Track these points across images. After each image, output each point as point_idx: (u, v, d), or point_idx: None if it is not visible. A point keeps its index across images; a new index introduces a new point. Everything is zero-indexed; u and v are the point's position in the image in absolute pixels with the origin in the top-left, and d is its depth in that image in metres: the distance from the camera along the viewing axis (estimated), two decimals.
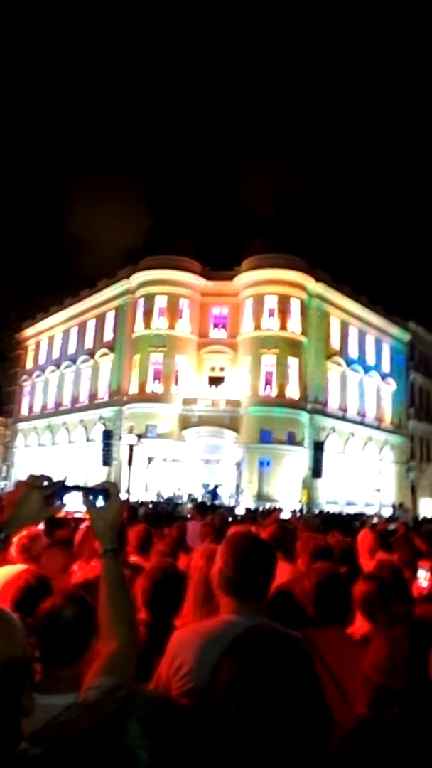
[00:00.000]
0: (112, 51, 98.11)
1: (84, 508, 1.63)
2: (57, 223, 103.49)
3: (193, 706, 1.80)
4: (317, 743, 0.81)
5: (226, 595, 1.95)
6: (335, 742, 0.74)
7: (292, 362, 36.73)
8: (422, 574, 3.49)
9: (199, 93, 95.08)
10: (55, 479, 1.53)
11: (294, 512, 19.05)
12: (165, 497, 28.03)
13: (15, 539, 3.30)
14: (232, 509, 20.13)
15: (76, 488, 1.57)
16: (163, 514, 14.82)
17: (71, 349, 46.75)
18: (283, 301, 36.96)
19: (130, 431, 32.66)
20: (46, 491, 1.47)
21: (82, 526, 4.15)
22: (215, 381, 37.96)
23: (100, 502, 1.55)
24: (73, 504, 1.65)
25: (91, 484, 1.62)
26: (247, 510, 19.56)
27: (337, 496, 36.75)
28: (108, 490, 1.57)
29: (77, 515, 7.12)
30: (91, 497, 1.56)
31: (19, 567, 3.05)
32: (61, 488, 1.52)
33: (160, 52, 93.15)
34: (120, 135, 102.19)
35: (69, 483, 1.57)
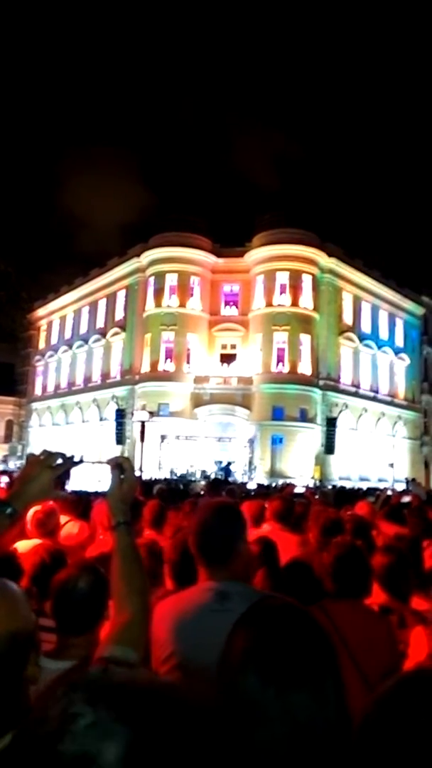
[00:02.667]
0: (109, 24, 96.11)
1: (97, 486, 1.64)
2: (52, 198, 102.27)
3: (173, 673, 1.81)
4: (338, 714, 0.80)
5: (199, 565, 1.97)
6: (374, 700, 0.72)
7: (304, 339, 36.51)
8: None
9: (196, 66, 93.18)
10: (68, 456, 1.53)
11: (308, 487, 19.13)
12: (178, 474, 28.23)
13: (30, 514, 3.33)
14: (244, 485, 20.24)
15: (91, 462, 1.58)
16: (177, 491, 14.91)
17: (83, 328, 46.84)
18: (295, 277, 36.59)
19: (143, 410, 32.83)
20: (59, 470, 1.47)
21: (99, 500, 4.19)
22: (227, 359, 37.89)
23: (114, 476, 1.57)
24: (86, 482, 1.66)
25: (105, 459, 1.63)
26: (260, 486, 19.64)
27: (350, 471, 36.80)
28: (122, 464, 1.58)
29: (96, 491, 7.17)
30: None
31: (35, 542, 3.08)
32: (74, 462, 1.52)
33: (156, 25, 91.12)
34: (113, 110, 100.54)
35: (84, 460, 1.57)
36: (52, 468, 1.46)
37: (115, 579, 1.46)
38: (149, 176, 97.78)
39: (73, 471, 1.54)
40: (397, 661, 2.34)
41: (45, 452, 1.50)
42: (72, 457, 1.53)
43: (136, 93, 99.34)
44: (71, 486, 1.59)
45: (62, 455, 1.50)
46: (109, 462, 1.60)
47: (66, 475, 1.51)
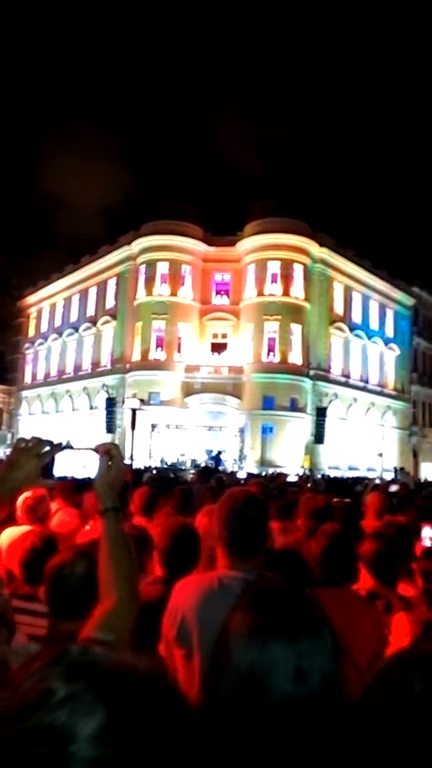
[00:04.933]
0: (93, 2, 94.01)
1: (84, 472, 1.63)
2: (30, 180, 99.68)
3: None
4: (341, 691, 0.86)
5: (222, 551, 1.96)
6: (372, 675, 0.79)
7: (295, 328, 36.53)
8: (428, 533, 3.51)
9: (179, 47, 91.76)
10: (56, 444, 1.52)
11: (300, 476, 19.29)
12: (169, 463, 28.27)
13: (20, 501, 3.32)
14: (234, 474, 20.31)
15: (78, 449, 1.57)
16: (167, 480, 14.93)
17: (73, 316, 46.58)
18: (286, 267, 36.54)
19: (134, 398, 32.77)
20: (46, 458, 1.46)
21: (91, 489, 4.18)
22: (218, 348, 37.85)
23: (102, 463, 1.56)
24: (72, 468, 1.66)
25: (93, 446, 1.62)
26: (249, 475, 19.72)
27: (339, 461, 37.03)
28: (110, 451, 1.57)
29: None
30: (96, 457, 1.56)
31: (25, 528, 3.07)
32: (61, 448, 1.52)
33: (139, 4, 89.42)
34: (96, 91, 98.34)
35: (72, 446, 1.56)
36: (39, 456, 1.45)
37: (103, 564, 1.46)
38: (132, 160, 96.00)
39: (59, 456, 1.54)
40: (382, 646, 2.37)
41: (34, 439, 1.49)
42: (60, 444, 1.53)
43: (118, 75, 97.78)
44: (57, 471, 1.57)
45: (50, 443, 1.49)
46: (97, 448, 1.59)
47: (52, 462, 1.50)
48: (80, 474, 9.18)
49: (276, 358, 35.84)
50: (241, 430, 32.90)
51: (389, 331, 45.61)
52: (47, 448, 1.47)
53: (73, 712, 0.47)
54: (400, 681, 0.74)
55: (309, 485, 9.88)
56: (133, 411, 25.27)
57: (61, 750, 0.45)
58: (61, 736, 0.46)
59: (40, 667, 0.53)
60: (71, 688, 0.49)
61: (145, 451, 30.21)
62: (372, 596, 2.73)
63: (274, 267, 36.50)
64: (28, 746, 0.46)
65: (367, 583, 2.82)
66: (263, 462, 32.59)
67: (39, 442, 1.48)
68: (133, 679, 0.52)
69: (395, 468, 34.97)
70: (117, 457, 1.57)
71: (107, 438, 33.97)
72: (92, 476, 1.57)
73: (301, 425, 35.28)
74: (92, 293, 44.60)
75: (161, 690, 0.52)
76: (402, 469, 34.80)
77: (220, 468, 24.74)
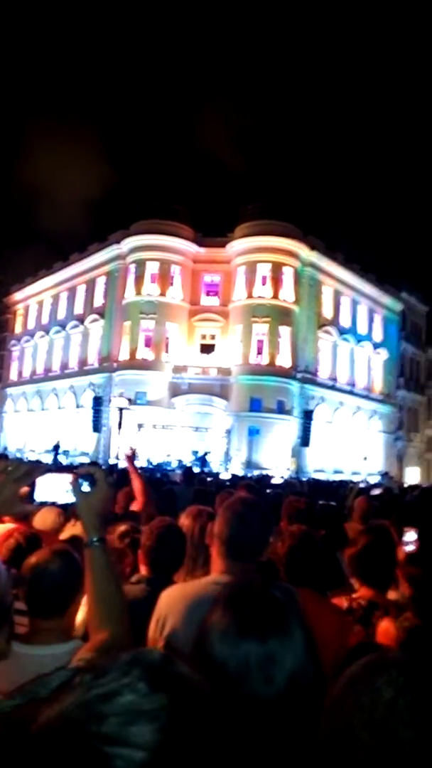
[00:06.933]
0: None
1: (67, 497, 1.57)
2: (11, 172, 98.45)
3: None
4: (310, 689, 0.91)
5: (219, 556, 1.96)
6: (339, 682, 0.80)
7: (284, 331, 36.64)
8: (411, 537, 3.53)
9: (166, 42, 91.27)
10: (37, 466, 1.47)
11: (285, 479, 19.36)
12: (155, 464, 28.22)
13: None
14: (218, 476, 20.32)
15: (59, 470, 1.53)
16: (153, 480, 14.89)
17: (61, 314, 46.34)
18: (276, 270, 36.65)
19: (121, 397, 32.68)
20: (24, 482, 1.39)
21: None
22: (206, 349, 37.86)
23: (85, 488, 1.43)
24: (53, 494, 1.63)
25: (80, 450, 1.59)
26: (234, 476, 19.74)
27: (324, 464, 37.17)
28: (93, 474, 1.45)
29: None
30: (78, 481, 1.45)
31: (8, 526, 3.06)
32: (41, 471, 1.46)
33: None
34: (73, 80, 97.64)
35: (53, 458, 1.53)
36: (18, 480, 1.37)
37: (91, 599, 1.40)
38: (117, 155, 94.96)
39: (40, 481, 1.49)
40: (344, 652, 2.31)
41: (13, 461, 1.43)
42: (42, 466, 1.48)
43: (103, 68, 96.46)
44: (39, 496, 1.55)
45: (31, 465, 1.44)
46: (77, 471, 1.46)
47: (33, 486, 1.45)
48: (63, 499, 9.09)
49: (264, 361, 35.93)
50: (228, 432, 32.93)
51: (377, 336, 45.91)
52: (25, 472, 1.40)
53: (144, 717, 0.49)
54: (368, 688, 0.74)
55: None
56: (120, 410, 25.26)
57: (119, 748, 0.46)
58: (122, 731, 0.48)
59: (125, 661, 0.54)
60: (151, 697, 0.50)
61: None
62: (372, 606, 2.65)
63: (263, 269, 36.60)
64: (94, 733, 0.47)
65: (364, 592, 2.76)
66: (249, 464, 32.63)
67: (19, 464, 1.41)
68: (205, 706, 0.54)
69: (380, 472, 35.22)
70: (100, 480, 1.45)
71: (93, 437, 33.85)
72: (74, 501, 1.47)
73: (287, 428, 35.38)
74: (81, 291, 44.41)
75: (217, 712, 0.55)
76: (386, 473, 35.05)
77: (206, 469, 24.76)
